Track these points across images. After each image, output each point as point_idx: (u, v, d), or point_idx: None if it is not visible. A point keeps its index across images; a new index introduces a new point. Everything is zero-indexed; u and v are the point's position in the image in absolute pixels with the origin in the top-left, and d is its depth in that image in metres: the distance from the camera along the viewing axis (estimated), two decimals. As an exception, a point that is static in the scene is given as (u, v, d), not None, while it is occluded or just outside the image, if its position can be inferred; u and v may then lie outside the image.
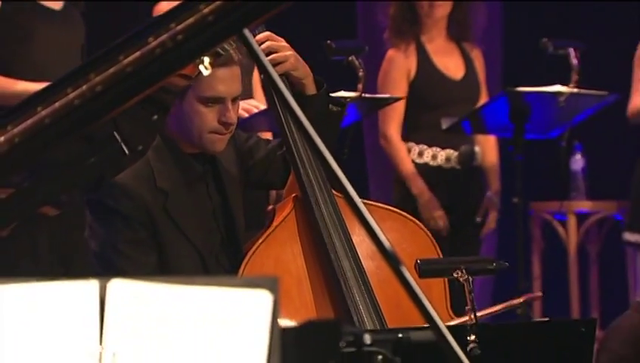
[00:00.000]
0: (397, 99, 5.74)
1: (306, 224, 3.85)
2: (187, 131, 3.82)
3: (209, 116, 3.80)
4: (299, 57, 3.86)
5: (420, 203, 5.76)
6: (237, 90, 3.84)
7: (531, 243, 6.67)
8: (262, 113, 4.92)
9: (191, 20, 2.70)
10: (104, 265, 3.79)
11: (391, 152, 5.88)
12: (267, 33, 3.84)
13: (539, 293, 5.58)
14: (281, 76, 3.74)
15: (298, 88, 3.87)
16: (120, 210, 3.75)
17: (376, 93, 5.70)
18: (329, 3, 6.54)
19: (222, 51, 3.67)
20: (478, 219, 5.95)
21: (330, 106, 3.94)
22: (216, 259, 3.89)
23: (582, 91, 5.54)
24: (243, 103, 4.97)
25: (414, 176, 5.79)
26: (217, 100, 3.79)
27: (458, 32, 6.02)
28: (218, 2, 2.70)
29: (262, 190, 4.31)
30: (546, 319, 6.20)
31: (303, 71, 3.86)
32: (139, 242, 3.77)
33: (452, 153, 5.93)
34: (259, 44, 3.77)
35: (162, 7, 5.17)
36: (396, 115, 5.88)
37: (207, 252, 3.86)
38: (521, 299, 4.34)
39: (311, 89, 3.87)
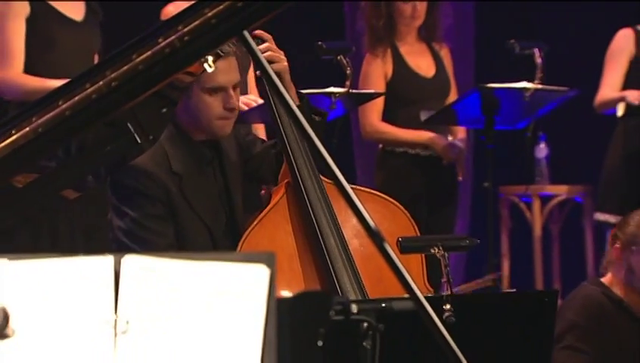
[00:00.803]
0: (381, 94, 5.76)
1: (297, 206, 3.85)
2: (197, 121, 3.86)
3: (214, 104, 3.84)
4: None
5: (436, 148, 5.72)
6: (236, 78, 3.88)
7: (500, 222, 6.68)
8: (258, 107, 4.93)
9: (196, 23, 2.70)
10: (129, 238, 3.80)
11: (380, 136, 5.87)
12: (267, 44, 3.85)
13: (509, 271, 5.59)
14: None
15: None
16: (141, 189, 3.78)
17: (362, 89, 5.69)
18: (319, 7, 6.52)
19: (223, 51, 3.68)
20: (460, 178, 5.95)
21: (313, 116, 3.96)
22: (223, 234, 3.91)
23: (546, 87, 5.55)
24: (243, 98, 4.98)
25: (415, 135, 5.77)
26: (220, 89, 3.82)
27: (427, 34, 6.02)
28: (220, 7, 2.69)
29: (254, 182, 4.31)
30: (513, 290, 6.22)
31: (289, 80, 3.87)
32: (158, 217, 3.81)
33: (430, 142, 5.94)
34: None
35: (168, 11, 5.17)
36: (375, 108, 5.88)
37: (215, 228, 3.89)
38: (492, 277, 4.36)
39: (294, 100, 3.88)
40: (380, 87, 5.88)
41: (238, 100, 3.93)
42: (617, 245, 4.67)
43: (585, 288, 4.71)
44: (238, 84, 3.92)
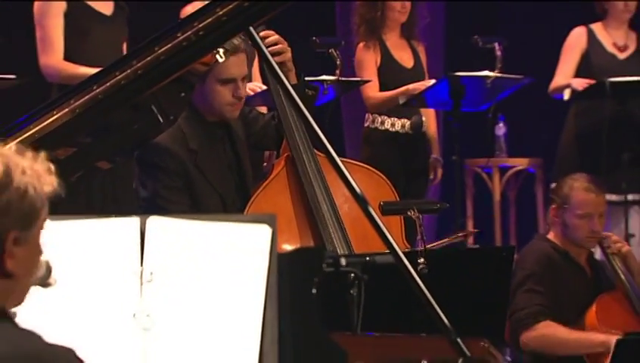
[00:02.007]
0: (365, 81, 5.76)
1: (295, 176, 3.85)
2: (210, 106, 3.84)
3: (225, 93, 3.82)
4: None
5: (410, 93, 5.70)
6: (245, 71, 3.86)
7: (465, 189, 6.66)
8: (262, 92, 4.92)
9: (209, 20, 2.69)
10: (150, 206, 3.80)
11: (377, 101, 5.86)
12: (276, 37, 3.85)
13: (474, 230, 5.58)
14: (278, 64, 3.75)
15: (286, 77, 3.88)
16: (162, 165, 3.77)
17: (350, 77, 5.68)
18: (314, 6, 6.50)
19: (232, 44, 3.66)
20: (431, 177, 5.96)
21: (307, 90, 3.97)
22: (233, 201, 3.90)
23: (504, 75, 5.53)
24: (249, 85, 4.97)
25: (398, 92, 5.76)
26: (231, 81, 3.80)
27: (407, 32, 6.02)
28: (230, 6, 2.68)
29: (259, 151, 4.31)
30: (477, 247, 6.22)
31: (290, 65, 3.88)
32: (176, 188, 3.79)
33: (406, 121, 5.91)
34: (269, 44, 3.79)
35: (187, 10, 5.16)
36: (372, 86, 5.88)
37: (227, 196, 3.89)
38: (461, 234, 4.36)
39: (293, 79, 3.88)
40: (373, 71, 5.88)
41: (245, 90, 3.93)
42: (554, 206, 4.70)
43: (536, 243, 4.73)
44: (247, 77, 3.91)
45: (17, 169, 1.84)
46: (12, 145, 1.88)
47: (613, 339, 4.29)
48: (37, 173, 1.87)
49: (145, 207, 3.78)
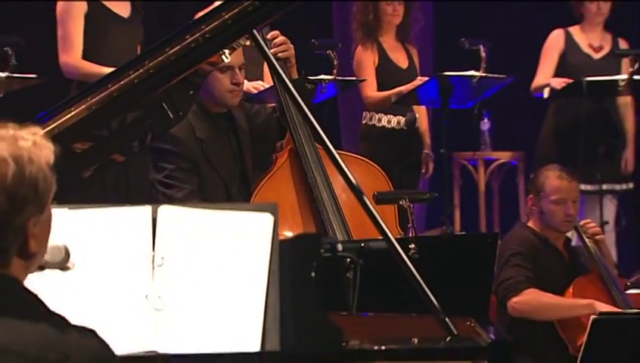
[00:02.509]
0: (361, 80, 5.77)
1: (298, 167, 3.85)
2: (212, 94, 3.88)
3: (225, 80, 3.87)
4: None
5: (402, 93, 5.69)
6: (241, 60, 3.92)
7: (453, 181, 6.65)
8: (266, 89, 4.92)
9: (215, 23, 2.68)
10: (165, 187, 3.83)
11: (375, 100, 5.86)
12: (282, 38, 3.86)
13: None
14: (283, 61, 3.78)
15: (288, 72, 3.89)
16: (174, 150, 3.80)
17: (346, 77, 5.68)
18: (313, 9, 6.48)
19: (236, 46, 3.66)
20: (423, 171, 5.97)
21: (307, 84, 4.00)
22: (237, 188, 3.92)
23: (489, 75, 5.52)
24: (253, 83, 4.99)
25: (393, 92, 5.75)
26: (229, 68, 3.84)
27: (402, 36, 6.01)
28: (235, 11, 2.67)
29: (263, 143, 4.31)
30: (463, 233, 6.23)
31: (293, 62, 3.89)
32: (186, 170, 3.82)
33: (401, 118, 5.91)
34: (276, 44, 3.82)
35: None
36: (370, 85, 5.87)
37: (230, 182, 3.90)
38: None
39: (295, 74, 3.89)
40: (371, 72, 5.88)
41: (243, 78, 3.96)
42: (531, 195, 4.72)
43: (517, 230, 4.73)
44: (243, 65, 3.95)
45: (24, 159, 1.81)
46: (9, 128, 1.81)
47: (597, 303, 4.31)
48: (42, 154, 1.83)
49: (159, 189, 3.81)
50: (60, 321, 1.87)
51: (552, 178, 4.64)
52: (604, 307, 4.34)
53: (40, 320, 1.85)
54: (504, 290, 4.44)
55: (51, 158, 1.86)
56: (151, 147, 3.80)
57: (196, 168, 3.84)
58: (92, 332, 1.89)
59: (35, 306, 1.88)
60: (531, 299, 4.43)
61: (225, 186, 3.89)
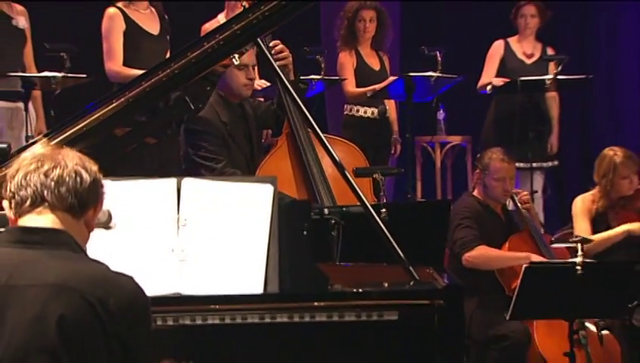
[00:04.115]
0: (343, 79, 5.76)
1: (294, 147, 3.84)
2: (230, 87, 3.88)
3: (241, 76, 3.85)
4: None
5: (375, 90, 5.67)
6: (254, 60, 3.90)
7: (415, 159, 6.63)
8: (268, 87, 4.89)
9: (227, 33, 2.64)
10: (204, 161, 3.79)
11: (353, 95, 5.84)
12: (282, 47, 3.83)
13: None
14: (282, 65, 3.75)
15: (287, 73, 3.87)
16: (208, 131, 3.78)
17: (331, 76, 5.66)
18: (303, 20, 6.44)
19: (244, 50, 3.63)
20: (392, 152, 5.95)
21: (300, 84, 3.98)
22: (251, 158, 3.91)
23: (443, 75, 5.50)
24: (258, 81, 4.96)
25: (368, 89, 5.73)
26: (245, 67, 3.83)
27: (376, 46, 5.98)
28: (242, 23, 2.64)
29: (262, 129, 4.30)
30: (424, 200, 6.23)
31: (291, 66, 3.85)
32: (218, 145, 3.79)
33: (374, 110, 5.90)
34: (277, 51, 3.78)
35: (205, 27, 5.12)
36: (349, 83, 5.83)
37: (248, 157, 3.90)
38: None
39: (292, 76, 3.86)
40: (351, 72, 5.86)
41: (255, 75, 3.94)
42: (477, 171, 4.70)
43: (465, 198, 4.72)
44: (255, 65, 3.95)
45: (93, 168, 1.94)
46: (50, 146, 1.96)
47: (532, 256, 4.33)
48: (91, 163, 1.95)
49: (199, 162, 3.77)
50: (104, 267, 1.89)
51: (496, 160, 4.63)
52: (538, 259, 4.34)
53: (89, 265, 1.88)
54: (459, 247, 4.43)
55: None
56: (187, 128, 3.79)
57: (225, 144, 3.82)
58: (130, 277, 1.89)
59: (84, 256, 1.91)
60: (482, 254, 4.43)
61: (245, 158, 3.89)
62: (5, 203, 1.91)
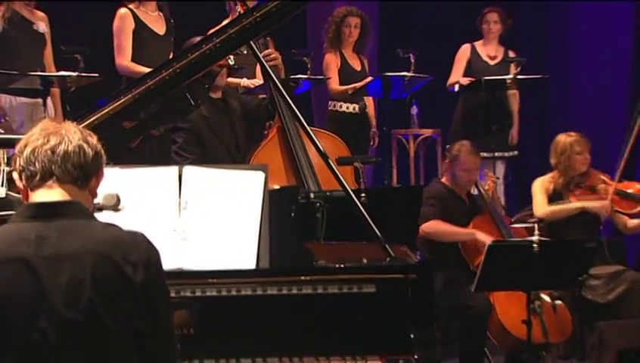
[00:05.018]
0: (327, 78, 5.74)
1: (283, 139, 3.81)
2: None
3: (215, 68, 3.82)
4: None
5: (356, 88, 5.66)
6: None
7: (392, 150, 6.62)
8: (261, 85, 4.86)
9: (223, 37, 2.62)
10: (176, 156, 3.79)
11: (337, 92, 5.83)
12: (272, 50, 3.80)
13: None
14: (273, 67, 3.72)
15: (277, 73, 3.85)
16: (184, 128, 3.76)
17: (317, 75, 5.63)
18: (291, 25, 6.40)
19: (240, 52, 3.60)
20: (371, 143, 5.94)
21: (290, 83, 3.96)
22: (234, 151, 3.89)
23: (416, 75, 5.49)
24: (252, 80, 4.92)
25: (350, 87, 5.72)
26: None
27: (358, 49, 5.97)
28: (237, 27, 2.62)
29: (257, 122, 4.27)
30: (399, 186, 6.22)
31: (281, 66, 3.83)
32: (191, 143, 3.77)
33: (355, 105, 5.89)
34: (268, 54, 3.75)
35: (195, 40, 5.07)
36: (334, 81, 5.81)
37: (229, 146, 3.88)
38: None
39: (282, 75, 3.83)
40: (335, 72, 5.84)
41: (228, 62, 3.83)
42: (447, 161, 4.69)
43: (434, 184, 4.72)
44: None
45: (94, 141, 1.92)
46: (69, 125, 1.91)
47: (477, 232, 4.32)
48: (92, 136, 1.94)
49: (173, 157, 3.77)
50: (118, 228, 1.90)
51: (464, 152, 4.62)
52: (484, 235, 4.34)
53: (105, 229, 1.88)
54: (420, 220, 4.42)
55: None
56: (174, 126, 3.78)
57: (201, 140, 3.80)
58: (141, 234, 1.91)
59: (97, 221, 1.91)
60: (433, 226, 4.41)
61: (226, 149, 3.87)
62: (15, 175, 1.90)
